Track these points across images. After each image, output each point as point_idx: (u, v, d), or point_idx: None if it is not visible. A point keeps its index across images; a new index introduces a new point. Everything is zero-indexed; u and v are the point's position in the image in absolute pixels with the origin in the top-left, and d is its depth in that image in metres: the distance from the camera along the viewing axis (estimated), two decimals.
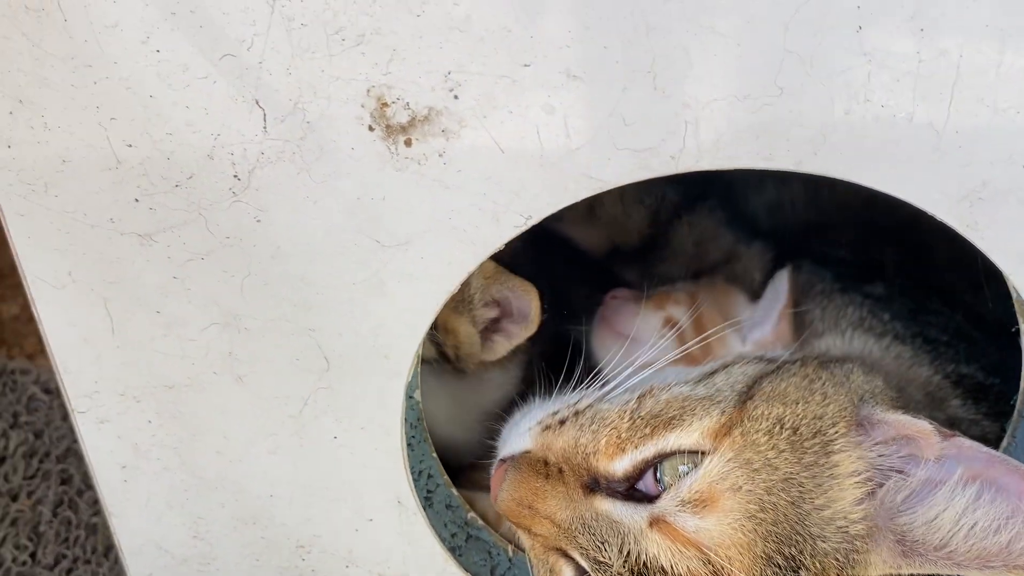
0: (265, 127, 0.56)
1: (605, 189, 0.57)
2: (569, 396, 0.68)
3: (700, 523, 0.57)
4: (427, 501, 0.76)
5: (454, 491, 0.79)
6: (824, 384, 0.64)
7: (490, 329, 0.83)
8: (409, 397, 0.73)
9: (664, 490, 0.60)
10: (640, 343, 0.81)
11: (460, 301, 0.80)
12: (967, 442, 0.59)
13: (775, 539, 0.56)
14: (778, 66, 0.51)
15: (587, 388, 0.68)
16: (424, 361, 0.76)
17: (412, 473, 0.74)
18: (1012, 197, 0.54)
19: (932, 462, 0.60)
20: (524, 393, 0.81)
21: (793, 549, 0.56)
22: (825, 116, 0.52)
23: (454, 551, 0.77)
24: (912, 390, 0.82)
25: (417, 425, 0.75)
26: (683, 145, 0.54)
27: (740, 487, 0.57)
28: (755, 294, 0.92)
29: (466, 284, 0.64)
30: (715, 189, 1.03)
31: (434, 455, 0.77)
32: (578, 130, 0.54)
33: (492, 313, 0.82)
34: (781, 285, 0.81)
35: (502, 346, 0.82)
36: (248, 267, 0.62)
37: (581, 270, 1.00)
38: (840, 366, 0.68)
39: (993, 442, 0.77)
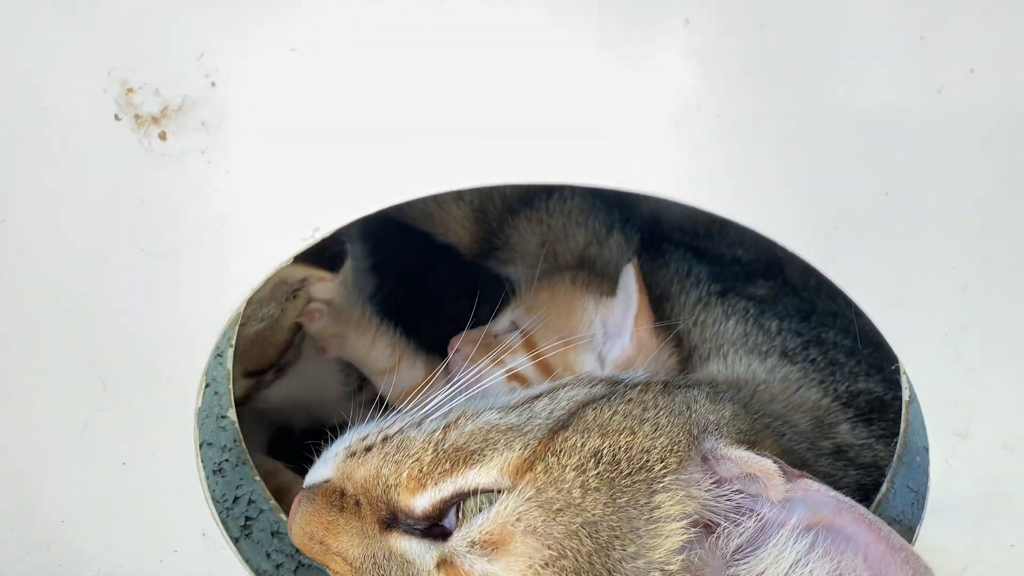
0: None
1: (411, 198, 0.48)
2: (384, 419, 0.60)
3: (488, 567, 0.50)
4: (245, 530, 0.68)
5: (283, 516, 0.71)
6: (659, 413, 0.56)
7: None
8: (221, 417, 0.65)
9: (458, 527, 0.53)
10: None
11: None
12: (814, 484, 0.52)
13: None
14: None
15: (405, 410, 0.60)
16: None
17: (227, 500, 0.67)
18: (872, 228, 0.46)
19: (776, 504, 0.53)
20: None
21: None
22: (651, 127, 0.44)
23: None
24: (798, 417, 0.75)
25: (233, 447, 0.67)
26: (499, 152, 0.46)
27: (536, 529, 0.50)
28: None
29: None
30: None
31: (256, 479, 0.69)
32: (368, 127, 0.45)
33: None
34: (629, 284, 0.71)
35: None
36: None
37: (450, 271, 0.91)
38: (685, 392, 0.60)
39: (883, 468, 0.70)
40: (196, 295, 0.52)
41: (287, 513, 0.70)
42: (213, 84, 0.45)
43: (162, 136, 0.46)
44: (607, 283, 0.81)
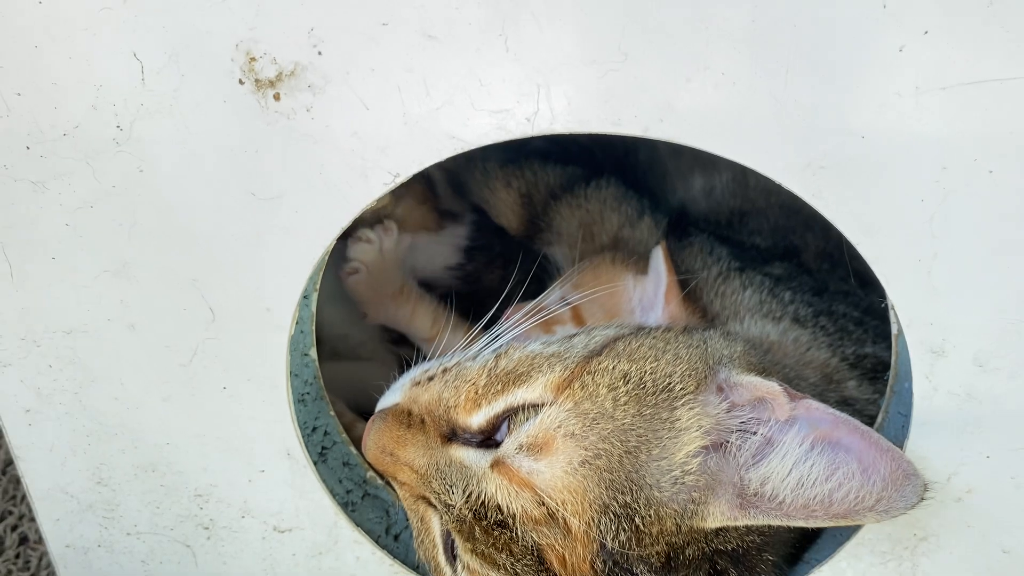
0: (143, 78, 0.58)
1: (468, 149, 0.59)
2: (444, 356, 0.70)
3: (534, 465, 0.59)
4: (321, 456, 0.78)
5: (353, 450, 0.81)
6: (679, 346, 0.66)
7: None
8: (304, 355, 0.75)
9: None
10: None
11: None
12: (815, 404, 0.61)
13: (609, 486, 0.58)
14: (621, 32, 0.53)
15: (460, 350, 0.71)
16: None
17: (306, 428, 0.77)
18: (851, 167, 0.56)
19: (782, 422, 0.62)
20: None
21: (628, 496, 0.58)
22: (668, 83, 0.54)
23: (347, 507, 0.79)
24: (808, 372, 0.84)
25: (313, 382, 0.78)
26: (537, 108, 0.56)
27: (574, 434, 0.59)
28: None
29: None
30: (635, 172, 1.05)
31: (332, 414, 0.80)
32: (437, 90, 0.57)
33: None
34: (658, 264, 0.82)
35: None
36: (134, 216, 0.64)
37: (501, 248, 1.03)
38: (702, 332, 0.70)
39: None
40: (295, 234, 0.63)
41: (358, 447, 0.81)
42: (320, 53, 0.56)
43: (276, 97, 0.58)
44: (642, 262, 0.91)
